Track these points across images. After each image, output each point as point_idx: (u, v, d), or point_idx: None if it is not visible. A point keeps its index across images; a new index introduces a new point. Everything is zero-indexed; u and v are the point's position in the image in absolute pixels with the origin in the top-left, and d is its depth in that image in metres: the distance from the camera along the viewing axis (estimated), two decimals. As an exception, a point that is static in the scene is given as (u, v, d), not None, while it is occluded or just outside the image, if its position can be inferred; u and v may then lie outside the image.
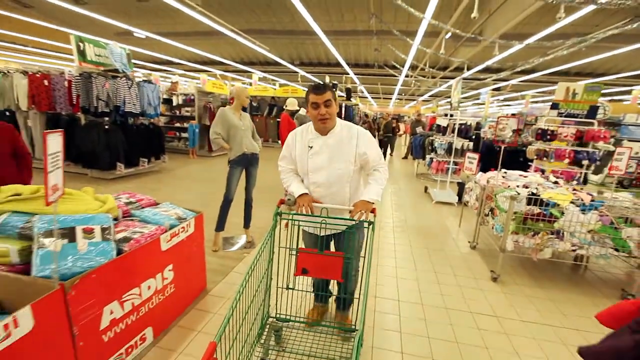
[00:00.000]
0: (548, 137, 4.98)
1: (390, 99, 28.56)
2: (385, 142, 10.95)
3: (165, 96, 10.12)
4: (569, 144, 5.01)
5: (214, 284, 2.77)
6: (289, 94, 12.72)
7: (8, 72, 6.47)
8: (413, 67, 12.89)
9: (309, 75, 16.58)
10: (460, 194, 5.74)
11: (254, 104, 12.89)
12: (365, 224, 1.86)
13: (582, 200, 2.87)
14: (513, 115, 6.81)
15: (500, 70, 11.63)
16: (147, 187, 5.89)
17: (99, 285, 1.63)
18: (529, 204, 2.93)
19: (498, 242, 3.12)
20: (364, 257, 1.74)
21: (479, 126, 7.78)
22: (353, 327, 2.08)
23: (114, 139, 6.07)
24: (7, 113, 6.53)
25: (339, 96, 10.77)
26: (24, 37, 11.69)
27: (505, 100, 22.70)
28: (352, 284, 2.06)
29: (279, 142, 8.50)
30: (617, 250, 2.75)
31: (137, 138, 6.60)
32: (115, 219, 2.07)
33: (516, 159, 5.77)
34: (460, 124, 7.01)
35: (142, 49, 12.74)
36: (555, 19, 5.39)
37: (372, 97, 29.86)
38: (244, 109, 3.51)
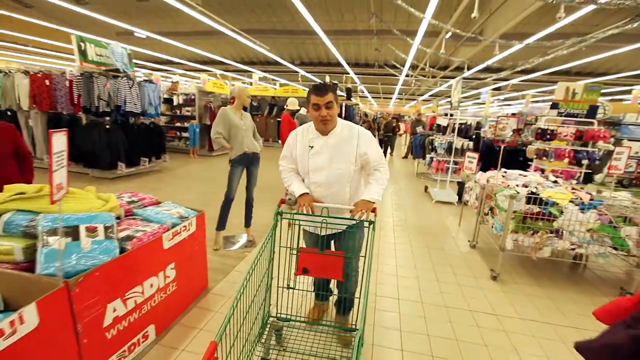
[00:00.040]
0: (548, 136, 5.00)
1: (391, 98, 28.57)
2: (386, 141, 10.98)
3: (165, 96, 10.14)
4: (568, 144, 5.02)
5: (215, 283, 2.79)
6: (289, 93, 12.73)
7: (10, 72, 6.49)
8: (413, 67, 12.90)
9: (309, 75, 16.58)
10: (460, 194, 5.75)
11: (255, 104, 12.91)
12: (366, 224, 1.85)
13: (581, 199, 2.89)
14: (513, 114, 6.83)
15: (501, 70, 11.63)
16: (148, 186, 5.91)
17: (102, 283, 1.65)
18: (528, 203, 2.95)
19: (498, 241, 3.14)
20: (364, 256, 1.74)
21: (479, 126, 7.79)
22: (354, 326, 2.07)
23: (115, 139, 6.09)
24: (9, 113, 6.56)
25: (339, 96, 10.77)
26: (24, 37, 11.71)
27: (505, 99, 22.70)
28: (352, 284, 2.06)
29: (279, 141, 8.53)
30: (615, 249, 2.76)
31: (138, 138, 6.62)
32: (118, 217, 2.09)
33: (516, 158, 5.79)
34: (460, 124, 7.03)
35: (143, 49, 12.76)
36: (555, 18, 5.41)
37: (372, 97, 29.87)
38: (245, 109, 3.52)
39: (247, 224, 3.70)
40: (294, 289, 1.93)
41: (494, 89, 17.30)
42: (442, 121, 7.40)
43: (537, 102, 18.98)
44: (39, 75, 6.26)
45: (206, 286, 2.72)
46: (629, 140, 7.44)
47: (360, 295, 1.98)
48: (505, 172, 3.90)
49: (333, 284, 2.43)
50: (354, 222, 1.83)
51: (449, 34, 7.58)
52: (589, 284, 3.17)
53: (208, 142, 9.97)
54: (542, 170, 4.75)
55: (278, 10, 9.06)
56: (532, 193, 2.99)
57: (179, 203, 2.60)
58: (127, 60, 6.58)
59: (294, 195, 1.91)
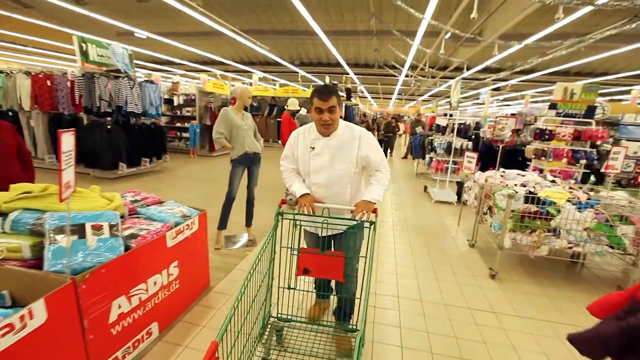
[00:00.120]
0: (546, 136, 5.04)
1: (390, 98, 28.62)
2: (386, 141, 11.02)
3: (166, 96, 10.17)
4: (567, 144, 5.06)
5: (217, 281, 2.82)
6: (289, 94, 12.77)
7: (11, 72, 6.53)
8: (413, 67, 12.94)
9: (309, 76, 16.63)
10: (459, 193, 5.79)
11: (255, 104, 12.94)
12: (367, 224, 1.85)
13: (578, 198, 2.92)
14: (512, 115, 6.87)
15: (500, 70, 11.68)
16: (149, 186, 5.94)
17: (107, 280, 1.69)
18: (526, 202, 2.98)
19: (496, 240, 3.17)
20: (365, 257, 1.73)
21: (478, 126, 7.83)
22: (354, 327, 2.07)
23: (116, 139, 6.12)
24: (10, 113, 6.59)
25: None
26: (24, 37, 11.73)
27: (504, 100, 22.76)
28: (352, 284, 2.04)
29: (280, 142, 8.56)
30: (612, 247, 2.80)
31: (139, 138, 6.66)
32: (122, 216, 2.12)
33: (515, 158, 5.83)
34: (460, 124, 7.06)
35: (143, 49, 12.80)
36: (553, 19, 5.45)
37: (372, 97, 29.91)
38: (246, 109, 3.56)
39: (248, 223, 3.73)
40: (294, 289, 1.92)
41: (494, 89, 17.36)
42: (442, 121, 7.43)
43: (536, 102, 19.03)
44: (40, 75, 6.29)
45: (208, 284, 2.75)
46: (628, 140, 7.49)
47: (360, 296, 1.96)
48: (503, 171, 3.94)
49: (334, 283, 2.45)
50: (355, 222, 1.83)
51: (449, 34, 7.62)
52: (587, 283, 3.21)
53: (208, 143, 10.01)
54: (541, 170, 4.79)
55: (278, 11, 9.10)
56: (530, 192, 3.03)
57: (181, 203, 2.64)
58: (128, 60, 6.62)
59: (295, 196, 1.91)
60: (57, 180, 1.98)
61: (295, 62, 14.61)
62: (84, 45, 5.94)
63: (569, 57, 8.93)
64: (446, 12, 7.55)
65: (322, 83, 15.90)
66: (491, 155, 5.55)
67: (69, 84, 6.05)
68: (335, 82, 12.60)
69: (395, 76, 14.75)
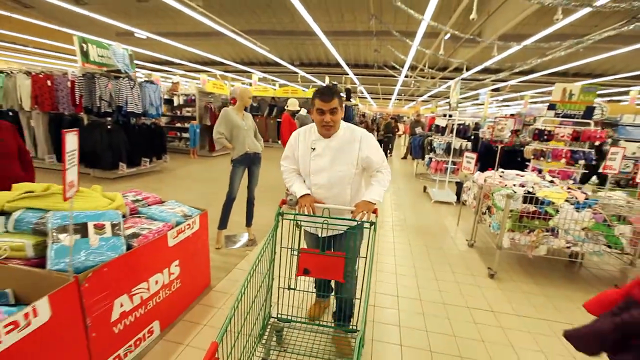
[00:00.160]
0: (545, 137, 5.06)
1: (390, 99, 28.66)
2: (386, 142, 11.04)
3: (166, 96, 10.18)
4: (566, 144, 5.09)
5: (218, 281, 2.84)
6: (288, 94, 12.78)
7: (11, 72, 6.53)
8: (412, 68, 12.97)
9: (308, 76, 16.66)
10: (458, 194, 5.81)
11: (254, 104, 12.95)
12: (367, 225, 1.84)
13: (576, 198, 2.95)
14: (512, 115, 6.90)
15: (499, 71, 11.71)
16: (149, 186, 5.95)
17: (110, 278, 1.70)
18: (525, 202, 3.01)
19: (495, 240, 3.19)
20: (365, 257, 1.72)
21: (477, 126, 7.85)
22: (354, 327, 2.07)
23: (117, 139, 6.13)
24: (10, 113, 6.60)
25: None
26: (24, 37, 11.74)
27: (504, 100, 22.80)
28: (352, 285, 2.01)
29: (279, 142, 8.57)
30: (610, 247, 2.82)
31: (139, 138, 6.67)
32: (124, 215, 2.14)
33: (514, 158, 5.85)
34: (459, 125, 7.08)
35: (143, 49, 12.81)
36: (552, 20, 5.47)
37: (371, 98, 29.95)
38: (246, 109, 3.58)
39: (248, 223, 3.75)
40: (294, 289, 1.91)
41: (493, 90, 17.40)
42: (441, 122, 7.45)
43: (535, 102, 19.08)
44: (40, 76, 6.30)
45: (209, 284, 2.76)
46: (626, 140, 7.52)
47: (360, 297, 1.96)
48: (502, 172, 3.96)
49: (334, 283, 2.46)
50: (355, 223, 1.82)
51: (448, 35, 7.65)
52: (585, 282, 3.23)
53: (208, 143, 10.02)
54: (540, 171, 4.81)
55: (278, 11, 9.12)
56: (529, 192, 3.05)
57: (181, 203, 2.65)
58: (129, 61, 6.63)
59: (295, 196, 1.91)
60: (57, 180, 2.01)
61: (295, 63, 14.64)
62: (84, 45, 5.95)
63: (568, 58, 8.97)
64: (446, 13, 7.57)
65: (322, 83, 15.95)
66: (490, 155, 5.57)
67: (69, 84, 6.06)
68: (335, 83, 12.63)
69: (395, 77, 14.79)
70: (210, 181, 6.69)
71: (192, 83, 15.23)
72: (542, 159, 5.04)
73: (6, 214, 1.77)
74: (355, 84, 18.36)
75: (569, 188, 3.32)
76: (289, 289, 1.91)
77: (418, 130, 9.83)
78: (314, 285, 2.35)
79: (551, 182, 3.57)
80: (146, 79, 7.24)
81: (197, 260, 2.54)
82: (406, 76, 14.37)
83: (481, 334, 2.33)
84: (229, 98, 11.37)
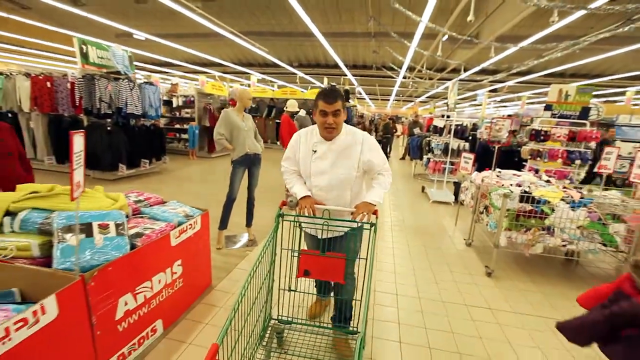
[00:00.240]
0: (542, 137, 5.13)
1: (388, 100, 28.75)
2: (384, 143, 11.10)
3: (165, 98, 10.20)
4: (562, 144, 5.15)
5: (219, 280, 2.87)
6: (287, 95, 12.82)
7: (11, 74, 6.54)
8: (410, 69, 13.03)
9: (307, 77, 16.70)
10: (456, 194, 5.86)
11: (253, 106, 12.97)
12: (367, 226, 1.83)
13: (572, 197, 3.00)
14: (509, 116, 6.96)
15: (497, 72, 11.78)
16: (149, 187, 5.97)
17: (114, 277, 1.73)
18: (521, 201, 3.05)
19: (492, 239, 3.24)
20: (365, 259, 1.72)
21: (474, 127, 7.92)
22: (355, 329, 2.06)
23: (116, 140, 6.15)
24: (10, 115, 6.60)
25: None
26: (21, 39, 11.72)
27: (502, 101, 22.91)
28: (352, 287, 2.01)
29: (278, 143, 8.61)
30: (605, 245, 2.87)
31: (138, 139, 6.69)
32: (127, 216, 2.17)
33: (511, 159, 5.92)
34: (457, 125, 7.14)
35: (141, 51, 12.83)
36: (549, 22, 5.54)
37: (370, 99, 30.03)
38: (246, 110, 3.61)
39: (248, 223, 3.78)
40: (295, 291, 1.90)
41: (491, 91, 17.49)
42: (439, 123, 7.51)
43: (532, 103, 19.19)
44: (40, 77, 6.31)
45: (210, 283, 2.79)
46: (622, 141, 7.60)
47: (361, 298, 1.93)
48: (499, 172, 4.01)
49: (333, 283, 2.46)
50: (355, 224, 1.82)
51: (446, 36, 7.70)
52: (581, 280, 3.28)
53: (207, 144, 10.04)
54: (536, 171, 4.87)
55: (277, 13, 9.16)
56: (525, 192, 3.10)
57: (183, 203, 2.68)
58: (128, 62, 6.65)
59: (296, 197, 1.91)
60: (57, 182, 2.05)
61: (293, 64, 14.68)
62: (84, 47, 5.97)
63: (565, 59, 9.05)
64: (443, 15, 7.63)
65: (320, 84, 16.00)
66: (488, 155, 5.63)
67: (69, 85, 6.07)
68: (334, 84, 12.66)
69: (393, 78, 14.85)
70: (210, 182, 6.71)
71: (191, 84, 15.25)
72: (538, 159, 5.11)
73: (12, 214, 1.80)
74: (353, 84, 18.42)
75: (564, 187, 3.37)
76: (290, 290, 1.90)
77: (416, 131, 9.89)
78: (315, 285, 2.36)
79: (547, 181, 3.62)
80: (145, 80, 7.25)
81: (198, 260, 2.57)
82: (404, 77, 14.43)
83: (479, 331, 2.37)
84: (228, 99, 11.40)
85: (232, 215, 3.54)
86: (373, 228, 1.82)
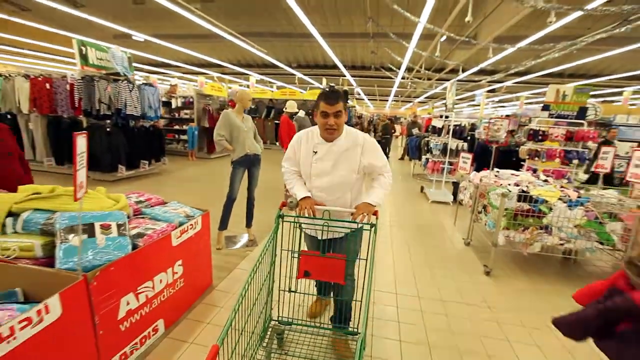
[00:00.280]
0: (540, 137, 5.16)
1: (387, 100, 28.80)
2: (383, 143, 11.12)
3: (164, 99, 10.21)
4: (560, 144, 5.19)
5: (219, 280, 2.89)
6: (286, 96, 12.84)
7: (10, 75, 6.55)
8: (409, 69, 13.07)
9: (306, 78, 16.73)
10: (455, 193, 5.89)
11: (252, 106, 13.00)
12: (367, 227, 1.83)
13: (569, 196, 3.02)
14: (507, 116, 7.00)
15: (495, 72, 11.83)
16: (149, 189, 5.96)
17: (117, 277, 1.75)
18: (519, 200, 3.08)
19: (491, 238, 3.26)
20: (366, 259, 1.71)
21: (473, 127, 7.96)
22: (355, 330, 2.04)
23: (116, 142, 6.16)
24: (9, 116, 6.61)
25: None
26: (20, 40, 11.71)
27: (500, 101, 22.98)
28: (351, 288, 2.00)
29: (277, 143, 8.63)
30: (602, 243, 2.90)
31: (138, 140, 6.70)
32: (128, 216, 2.18)
33: (509, 159, 5.95)
34: (455, 125, 7.18)
35: (140, 52, 12.83)
36: (546, 22, 5.57)
37: (368, 99, 30.08)
38: (245, 111, 3.63)
39: (248, 224, 3.80)
40: (295, 292, 1.90)
41: (489, 91, 17.54)
42: (438, 123, 7.54)
43: (530, 103, 19.26)
44: (39, 78, 6.32)
45: (211, 283, 2.81)
46: (619, 140, 7.64)
47: (361, 299, 1.92)
48: (498, 171, 4.04)
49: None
50: (356, 225, 1.82)
51: (444, 37, 7.73)
52: (578, 278, 3.30)
53: (207, 145, 10.05)
54: (534, 170, 4.90)
55: (275, 14, 9.18)
56: (523, 191, 3.13)
57: (183, 204, 2.70)
58: (127, 63, 6.66)
59: (296, 198, 1.90)
60: (56, 183, 2.06)
61: (292, 65, 14.71)
62: (83, 48, 5.98)
63: (562, 59, 9.10)
64: (441, 16, 7.66)
65: (319, 85, 16.03)
66: (486, 155, 5.66)
67: (68, 87, 6.08)
68: (333, 84, 12.70)
69: (392, 78, 14.89)
70: (210, 183, 6.73)
71: (190, 85, 15.26)
72: (536, 158, 5.14)
73: (14, 215, 1.82)
74: (352, 85, 18.45)
75: (562, 187, 3.39)
76: (290, 291, 1.90)
77: (415, 131, 9.93)
78: (315, 285, 2.37)
79: (545, 181, 3.65)
80: (144, 81, 7.27)
81: (199, 260, 2.59)
82: (403, 78, 14.47)
83: (478, 329, 2.39)
84: (227, 100, 11.42)
85: (231, 216, 3.56)
86: (373, 229, 1.82)
